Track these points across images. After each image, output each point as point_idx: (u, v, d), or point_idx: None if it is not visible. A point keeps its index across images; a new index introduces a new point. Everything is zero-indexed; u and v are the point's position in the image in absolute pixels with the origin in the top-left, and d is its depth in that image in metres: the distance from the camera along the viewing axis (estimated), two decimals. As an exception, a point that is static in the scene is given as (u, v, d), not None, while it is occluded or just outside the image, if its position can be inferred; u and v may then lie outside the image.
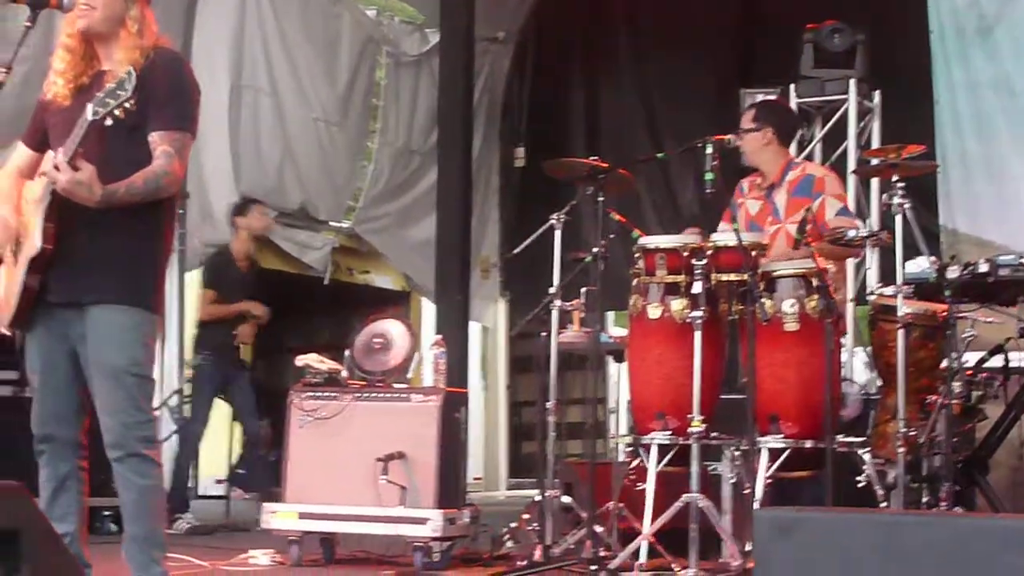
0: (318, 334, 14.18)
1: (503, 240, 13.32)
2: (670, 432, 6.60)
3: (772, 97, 9.27)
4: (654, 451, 6.59)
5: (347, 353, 7.93)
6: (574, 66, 13.24)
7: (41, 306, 4.92)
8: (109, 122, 4.61)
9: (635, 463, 6.90)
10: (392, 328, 8.01)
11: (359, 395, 7.60)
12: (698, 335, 6.45)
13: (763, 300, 6.51)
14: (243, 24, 10.84)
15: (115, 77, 4.73)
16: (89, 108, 4.60)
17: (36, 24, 4.97)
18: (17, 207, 5.03)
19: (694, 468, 6.40)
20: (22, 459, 5.18)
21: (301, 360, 7.94)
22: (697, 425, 6.43)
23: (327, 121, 11.67)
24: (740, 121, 7.73)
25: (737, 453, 6.70)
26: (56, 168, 4.64)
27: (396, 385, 7.74)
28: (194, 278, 10.54)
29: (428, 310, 12.55)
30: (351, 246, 12.54)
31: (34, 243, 4.82)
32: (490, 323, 13.54)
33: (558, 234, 7.65)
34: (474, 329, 12.40)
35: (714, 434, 6.61)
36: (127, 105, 4.58)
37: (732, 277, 6.58)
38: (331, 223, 12.02)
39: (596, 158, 7.47)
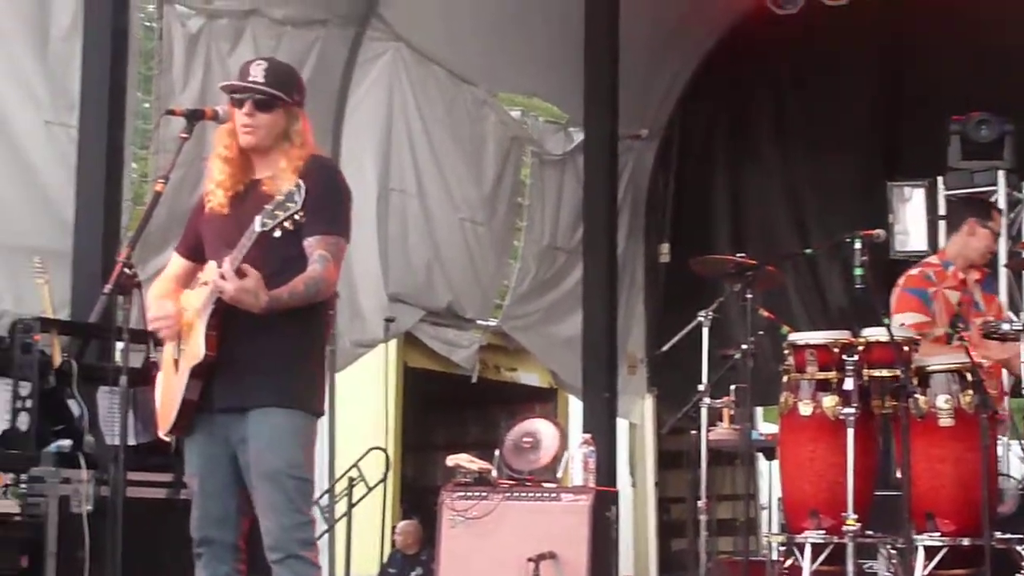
0: (467, 432, 14.23)
1: (649, 336, 13.26)
2: (824, 531, 6.53)
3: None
4: (808, 550, 6.53)
5: (496, 452, 7.95)
6: (719, 161, 13.21)
7: (202, 411, 4.97)
8: (277, 233, 4.71)
9: (789, 562, 6.83)
10: (541, 427, 8.04)
11: (509, 495, 7.62)
12: (851, 432, 6.41)
13: (917, 396, 6.45)
14: (390, 128, 10.99)
15: (272, 186, 4.84)
16: (257, 220, 4.70)
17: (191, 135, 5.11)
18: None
19: (849, 567, 6.34)
20: (177, 562, 5.27)
21: (452, 460, 7.98)
22: (851, 523, 6.37)
23: (473, 221, 11.77)
24: (990, 222, 7.66)
25: (893, 551, 6.62)
26: (222, 277, 4.71)
27: (546, 484, 7.74)
28: (345, 378, 10.65)
29: (575, 407, 12.53)
30: (498, 344, 12.58)
31: (197, 351, 4.89)
32: (637, 419, 13.46)
33: (705, 331, 7.64)
34: (621, 426, 12.36)
35: (869, 532, 6.54)
36: (296, 217, 4.68)
37: (884, 373, 6.53)
38: (478, 321, 12.08)
39: (743, 255, 7.46)
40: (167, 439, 5.24)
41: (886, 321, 6.59)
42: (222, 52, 9.55)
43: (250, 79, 5.04)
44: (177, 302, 5.10)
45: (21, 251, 8.20)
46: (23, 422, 7.17)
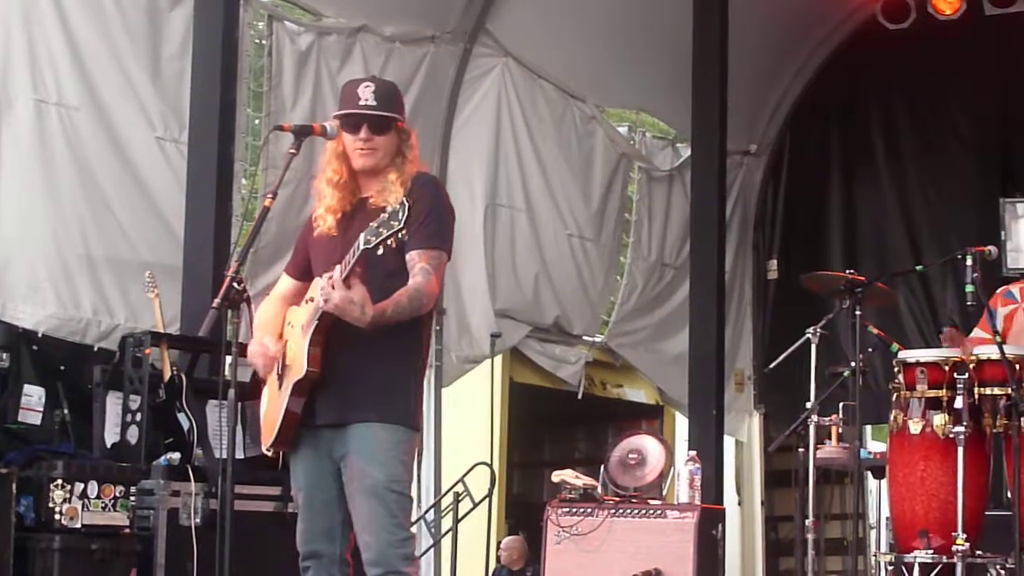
0: (573, 448, 14.22)
1: (757, 353, 13.19)
2: (933, 551, 6.46)
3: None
4: (917, 570, 6.46)
5: (602, 468, 7.93)
6: (829, 177, 13.11)
7: (306, 426, 5.01)
8: (380, 251, 4.72)
9: (897, 582, 6.77)
10: (647, 443, 8.02)
11: (615, 511, 7.60)
12: (961, 451, 6.33)
13: (1029, 414, 6.36)
14: (498, 143, 11.02)
15: (377, 205, 4.87)
16: (362, 237, 4.72)
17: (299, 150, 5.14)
18: (280, 332, 5.17)
19: (959, 588, 6.25)
20: (285, 575, 5.30)
21: (557, 476, 7.98)
22: (961, 543, 6.29)
23: (581, 237, 11.77)
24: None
25: (1003, 572, 6.52)
26: (332, 287, 4.74)
27: (651, 501, 7.72)
28: (451, 393, 10.68)
29: (682, 424, 12.49)
30: (604, 360, 12.55)
31: (300, 367, 4.92)
32: (744, 437, 13.39)
33: (814, 348, 7.57)
34: (728, 443, 12.29)
35: (979, 552, 6.45)
36: (399, 235, 4.71)
37: (996, 391, 6.44)
38: (585, 337, 12.07)
39: (853, 271, 7.39)
40: (271, 455, 5.28)
41: (996, 339, 6.49)
42: (332, 69, 9.64)
43: (362, 103, 5.10)
44: (277, 334, 5.15)
45: (133, 266, 8.31)
46: (133, 435, 7.26)
